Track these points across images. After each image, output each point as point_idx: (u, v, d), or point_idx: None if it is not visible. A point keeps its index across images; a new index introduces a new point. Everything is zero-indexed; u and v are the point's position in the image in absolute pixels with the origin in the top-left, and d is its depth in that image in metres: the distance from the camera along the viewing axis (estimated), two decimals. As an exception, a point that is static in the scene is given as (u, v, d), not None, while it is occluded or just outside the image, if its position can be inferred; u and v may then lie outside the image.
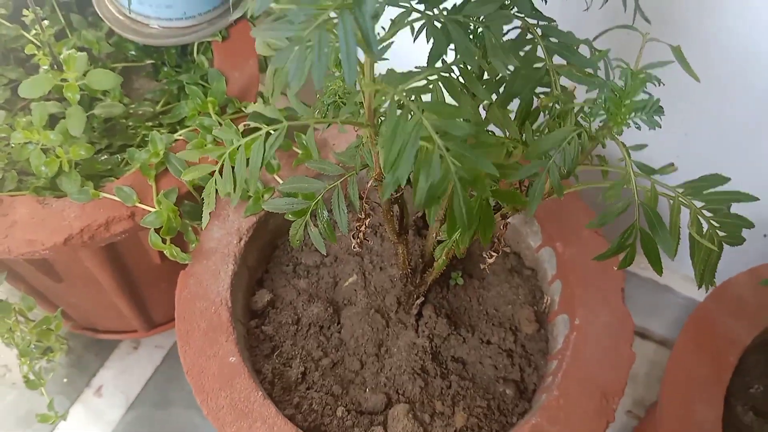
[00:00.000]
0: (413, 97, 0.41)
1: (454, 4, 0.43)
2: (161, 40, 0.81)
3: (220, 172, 0.47)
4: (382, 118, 0.47)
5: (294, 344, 0.69)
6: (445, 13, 0.43)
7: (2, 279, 0.75)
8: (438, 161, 0.37)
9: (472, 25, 0.43)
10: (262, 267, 0.76)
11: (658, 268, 0.42)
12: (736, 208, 0.45)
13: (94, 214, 0.69)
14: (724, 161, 0.83)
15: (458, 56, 0.43)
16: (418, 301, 0.69)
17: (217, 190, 0.50)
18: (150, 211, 0.69)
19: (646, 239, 0.41)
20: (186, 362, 0.63)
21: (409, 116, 0.38)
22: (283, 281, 0.75)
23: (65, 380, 0.96)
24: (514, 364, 0.69)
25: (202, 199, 0.55)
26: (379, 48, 0.44)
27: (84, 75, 0.72)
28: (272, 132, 0.44)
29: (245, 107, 0.78)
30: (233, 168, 0.46)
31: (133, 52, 0.86)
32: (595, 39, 0.51)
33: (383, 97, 0.44)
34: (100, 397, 0.95)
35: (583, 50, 0.50)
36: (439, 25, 0.42)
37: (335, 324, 0.71)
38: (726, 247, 0.46)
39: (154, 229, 0.69)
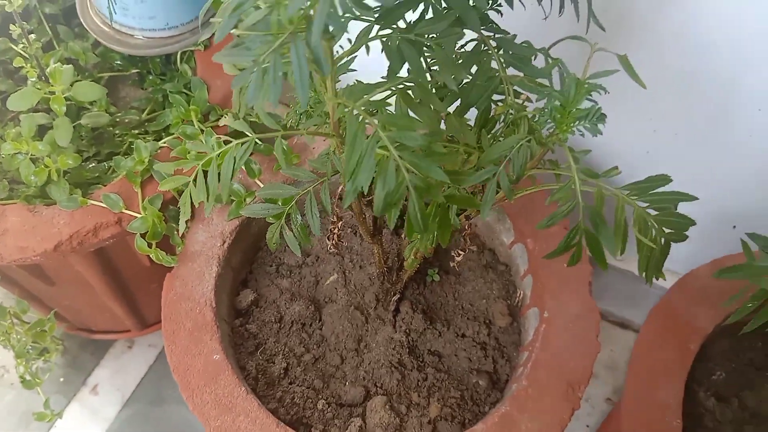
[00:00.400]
0: (375, 110, 0.44)
1: (409, 22, 0.46)
2: (145, 50, 0.83)
3: (195, 182, 0.50)
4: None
5: (277, 341, 0.72)
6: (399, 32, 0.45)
7: (-3, 284, 0.78)
8: (393, 170, 0.40)
9: (425, 42, 0.46)
10: (246, 268, 0.79)
11: (602, 265, 0.45)
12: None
13: (83, 220, 0.72)
14: (691, 157, 0.85)
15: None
16: (395, 298, 0.72)
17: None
18: (136, 217, 0.72)
19: (590, 238, 0.44)
20: (172, 361, 0.66)
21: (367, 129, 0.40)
22: (266, 281, 0.78)
23: (62, 380, 0.99)
24: (488, 356, 0.72)
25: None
26: (339, 64, 0.47)
27: (71, 86, 0.75)
28: (242, 144, 0.47)
29: (226, 115, 0.80)
30: (206, 178, 0.49)
31: (118, 62, 0.88)
32: (549, 48, 0.54)
33: (345, 109, 0.47)
34: (96, 395, 0.98)
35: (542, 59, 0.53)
36: (394, 43, 0.45)
37: (317, 321, 0.74)
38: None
39: (141, 233, 0.72)
